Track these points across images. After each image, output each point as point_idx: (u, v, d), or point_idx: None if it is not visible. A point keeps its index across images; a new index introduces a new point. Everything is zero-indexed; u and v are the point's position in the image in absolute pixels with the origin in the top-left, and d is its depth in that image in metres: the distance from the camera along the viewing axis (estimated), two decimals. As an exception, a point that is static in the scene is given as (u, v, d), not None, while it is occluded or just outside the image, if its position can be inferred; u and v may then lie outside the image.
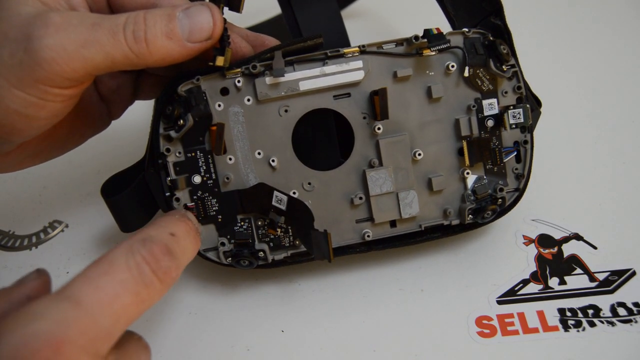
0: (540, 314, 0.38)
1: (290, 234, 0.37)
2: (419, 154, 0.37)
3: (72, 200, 0.46)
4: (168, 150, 0.35)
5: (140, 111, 0.42)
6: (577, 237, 0.42)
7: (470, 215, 0.38)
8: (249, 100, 0.35)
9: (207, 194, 0.36)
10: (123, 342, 0.26)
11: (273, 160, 0.36)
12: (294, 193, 0.36)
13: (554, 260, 0.41)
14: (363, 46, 0.35)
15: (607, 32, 0.60)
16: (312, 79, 0.35)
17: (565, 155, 0.48)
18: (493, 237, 0.42)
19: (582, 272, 0.40)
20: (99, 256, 0.25)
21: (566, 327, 0.37)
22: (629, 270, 0.40)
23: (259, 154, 0.36)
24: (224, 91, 0.35)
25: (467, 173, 0.38)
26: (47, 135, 0.33)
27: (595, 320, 0.38)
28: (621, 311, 0.38)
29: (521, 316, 0.38)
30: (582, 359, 0.36)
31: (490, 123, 0.37)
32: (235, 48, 0.35)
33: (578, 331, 0.37)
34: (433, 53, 0.35)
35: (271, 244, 0.37)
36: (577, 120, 0.51)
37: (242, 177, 0.36)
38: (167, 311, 0.39)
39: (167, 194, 0.35)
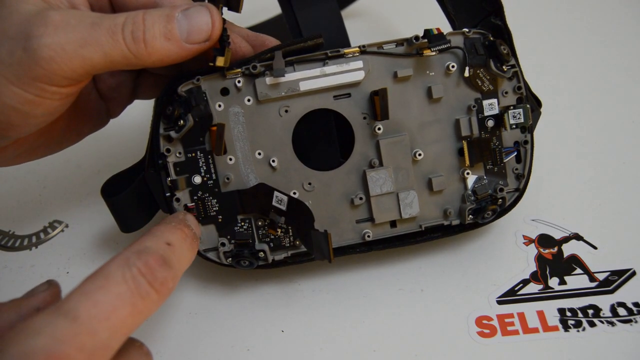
0: (540, 314, 0.38)
1: (291, 234, 0.37)
2: (419, 154, 0.37)
3: (72, 200, 0.46)
4: (168, 150, 0.35)
5: (140, 111, 0.43)
6: (577, 237, 0.42)
7: (470, 216, 0.38)
8: (249, 100, 0.35)
9: (207, 194, 0.36)
10: (123, 351, 0.26)
11: (273, 161, 0.36)
12: (294, 193, 0.36)
13: (554, 260, 0.41)
14: (363, 46, 0.35)
15: (607, 32, 0.60)
16: (312, 79, 0.35)
17: (565, 155, 0.48)
18: (493, 237, 0.42)
19: (582, 272, 0.40)
20: (96, 269, 0.25)
21: (566, 327, 0.37)
22: (629, 270, 0.40)
23: (259, 154, 0.36)
24: (224, 91, 0.35)
25: (468, 173, 0.38)
26: (44, 131, 0.33)
27: (595, 320, 0.38)
28: (621, 311, 0.38)
29: (521, 316, 0.38)
30: (582, 359, 0.36)
31: (490, 123, 0.37)
32: (235, 48, 0.35)
33: (578, 331, 0.37)
34: (433, 53, 0.35)
35: (271, 244, 0.37)
36: (577, 120, 0.51)
37: (243, 178, 0.36)
38: (167, 311, 0.39)
39: (168, 194, 0.35)
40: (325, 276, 0.40)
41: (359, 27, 0.59)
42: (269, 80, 0.35)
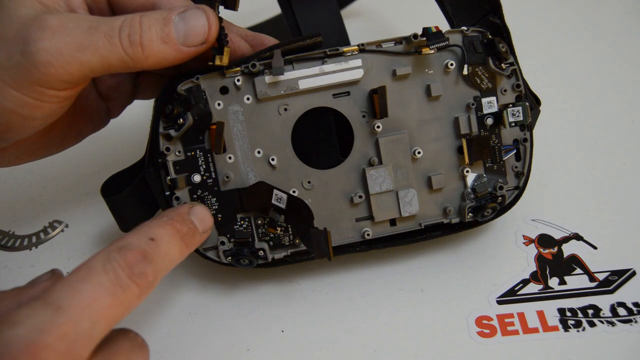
0: (540, 314, 0.38)
1: (290, 232, 0.37)
2: (419, 152, 0.37)
3: (72, 200, 0.46)
4: (168, 149, 0.35)
5: (140, 110, 0.43)
6: (577, 237, 0.42)
7: (470, 214, 0.38)
8: (248, 99, 0.35)
9: (206, 193, 0.36)
10: (113, 341, 0.26)
11: (273, 159, 0.36)
12: (294, 192, 0.36)
13: (554, 260, 0.41)
14: (362, 45, 0.35)
15: (607, 32, 0.60)
16: (311, 77, 0.35)
17: (565, 155, 0.48)
18: (493, 237, 0.42)
19: (582, 272, 0.40)
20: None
21: (566, 327, 0.37)
22: (629, 270, 0.40)
23: (259, 152, 0.36)
24: (224, 90, 0.35)
25: (467, 171, 0.38)
26: (45, 132, 0.33)
27: (595, 320, 0.37)
28: (621, 311, 0.38)
29: (521, 316, 0.38)
30: (582, 359, 0.36)
31: (489, 121, 0.37)
32: (234, 48, 0.35)
33: (578, 331, 0.37)
34: (432, 51, 0.35)
35: (271, 243, 0.37)
36: (576, 119, 0.51)
37: (242, 176, 0.36)
38: (167, 311, 0.39)
39: (167, 193, 0.35)
40: (325, 276, 0.40)
41: (359, 27, 0.60)
42: (268, 78, 0.35)
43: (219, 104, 0.35)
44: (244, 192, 0.36)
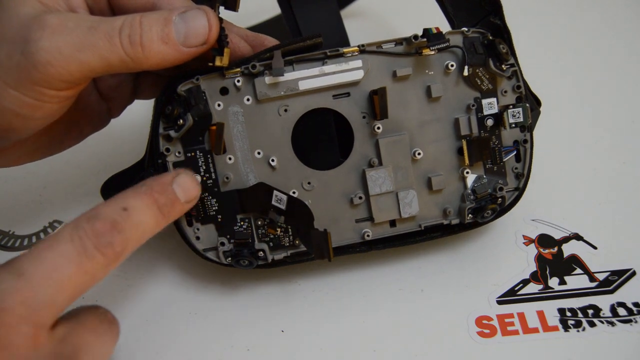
0: (540, 314, 0.38)
1: (290, 233, 0.37)
2: (419, 153, 0.37)
3: (72, 200, 0.46)
4: (168, 150, 0.35)
5: (140, 111, 0.43)
6: (577, 237, 0.42)
7: (470, 215, 0.38)
8: (248, 99, 0.35)
9: (206, 194, 0.36)
10: (81, 314, 0.27)
11: (273, 160, 0.36)
12: (294, 192, 0.36)
13: (554, 260, 0.41)
14: (362, 45, 0.35)
15: (607, 32, 0.60)
16: (311, 78, 0.35)
17: (565, 155, 0.48)
18: (493, 237, 0.42)
19: (582, 272, 0.40)
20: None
21: (566, 327, 0.37)
22: (629, 270, 0.40)
23: (259, 153, 0.36)
24: (224, 91, 0.35)
25: (467, 172, 0.38)
26: (45, 132, 0.33)
27: (595, 320, 0.38)
28: (621, 311, 0.38)
29: (521, 316, 0.38)
30: (582, 359, 0.36)
31: (489, 122, 0.37)
32: (234, 48, 0.35)
33: (578, 331, 0.37)
34: (432, 52, 0.35)
35: (271, 244, 0.37)
36: (577, 120, 0.51)
37: (242, 177, 0.36)
38: (167, 311, 0.39)
39: (167, 193, 0.35)
40: (325, 276, 0.40)
41: (359, 27, 0.59)
42: (268, 79, 0.35)
43: (219, 105, 0.35)
44: (244, 193, 0.36)
